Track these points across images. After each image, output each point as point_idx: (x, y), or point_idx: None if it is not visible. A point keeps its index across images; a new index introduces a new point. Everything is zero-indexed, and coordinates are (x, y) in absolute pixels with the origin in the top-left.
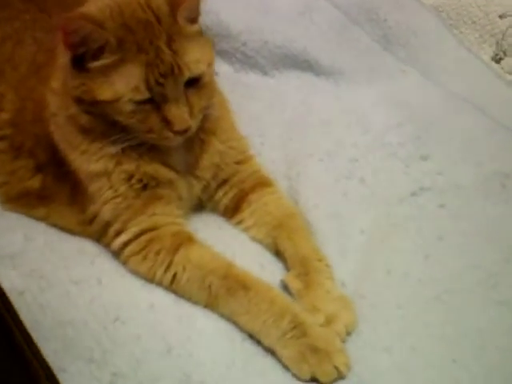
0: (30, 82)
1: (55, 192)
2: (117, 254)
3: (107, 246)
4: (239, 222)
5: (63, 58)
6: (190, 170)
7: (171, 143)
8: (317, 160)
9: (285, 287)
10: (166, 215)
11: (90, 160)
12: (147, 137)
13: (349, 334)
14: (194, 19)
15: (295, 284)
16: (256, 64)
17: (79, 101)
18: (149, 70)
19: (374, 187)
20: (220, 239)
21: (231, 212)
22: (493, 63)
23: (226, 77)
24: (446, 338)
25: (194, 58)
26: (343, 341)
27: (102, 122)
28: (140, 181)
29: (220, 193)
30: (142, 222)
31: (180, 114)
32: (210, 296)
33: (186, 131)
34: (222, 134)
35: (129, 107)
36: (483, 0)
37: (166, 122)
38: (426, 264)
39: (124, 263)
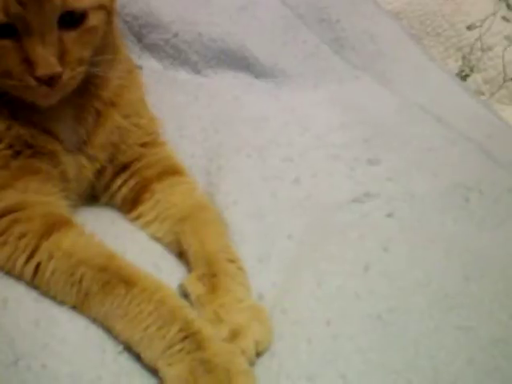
0: None
1: None
2: None
3: None
4: (138, 217)
5: None
6: (80, 147)
7: (38, 97)
8: (244, 156)
9: (184, 294)
10: (41, 194)
11: None
12: (4, 84)
13: (259, 353)
14: None
15: (196, 287)
16: (187, 60)
17: None
18: None
19: (310, 190)
20: (109, 235)
21: (130, 204)
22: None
23: (153, 73)
24: (387, 367)
25: None
26: (251, 361)
27: None
28: (10, 146)
29: (118, 181)
30: (7, 198)
31: (45, 53)
32: (79, 293)
33: (52, 79)
34: (125, 107)
35: None
36: (449, 8)
37: (28, 64)
38: (366, 277)
39: None
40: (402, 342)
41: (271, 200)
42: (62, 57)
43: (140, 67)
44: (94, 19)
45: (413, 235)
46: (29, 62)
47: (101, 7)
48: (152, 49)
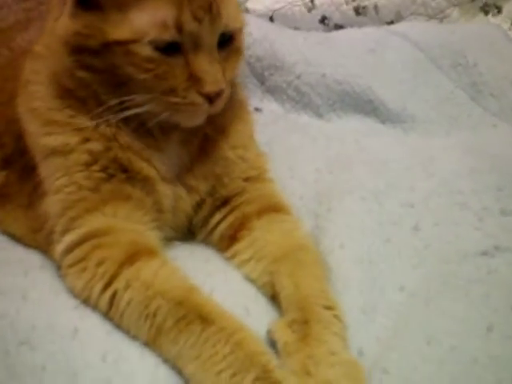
0: (17, 61)
1: (16, 191)
2: (58, 265)
3: (52, 255)
4: (234, 255)
5: (59, 4)
6: (180, 176)
7: (194, 116)
8: (358, 198)
9: (271, 342)
10: (129, 221)
11: (52, 132)
12: (165, 101)
13: None
14: None
15: (284, 334)
16: (309, 103)
17: (78, 50)
18: (183, 3)
19: (431, 239)
20: (201, 273)
21: (227, 241)
22: None
23: (273, 115)
24: None
25: (230, 8)
26: None
27: (101, 80)
28: (104, 168)
29: (217, 216)
30: (93, 222)
31: (213, 70)
32: (152, 327)
33: (216, 96)
34: (234, 137)
35: (148, 53)
36: None
37: (194, 80)
38: (488, 339)
39: (63, 276)
40: None
41: (384, 246)
42: (223, 74)
43: (260, 109)
44: (240, 40)
45: None
46: (195, 79)
47: (241, 30)
48: (274, 91)
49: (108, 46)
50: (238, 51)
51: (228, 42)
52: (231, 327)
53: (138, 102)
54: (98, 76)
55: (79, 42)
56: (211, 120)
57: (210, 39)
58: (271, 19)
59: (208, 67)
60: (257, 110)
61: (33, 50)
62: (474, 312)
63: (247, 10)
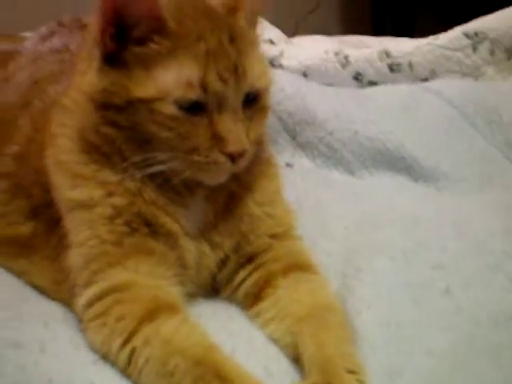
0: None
1: (42, 243)
2: (80, 319)
3: (74, 308)
4: (257, 314)
5: (86, 58)
6: (204, 232)
7: (217, 175)
8: (387, 258)
9: None
10: (152, 276)
11: (77, 185)
12: (188, 160)
13: None
14: (253, 23)
15: None
16: (341, 160)
17: (104, 107)
18: (208, 63)
19: (462, 302)
20: (223, 332)
21: (252, 299)
22: None
23: (304, 171)
24: None
25: (256, 68)
26: None
27: (125, 137)
28: (128, 223)
29: (242, 273)
30: (115, 277)
31: (237, 130)
32: None
33: (241, 155)
34: (260, 194)
35: (172, 111)
36: None
37: (217, 140)
38: None
39: (84, 330)
40: None
41: (413, 309)
42: (247, 134)
43: (291, 165)
44: (266, 99)
45: None
46: (218, 138)
47: (268, 88)
48: (305, 147)
49: (132, 104)
50: (263, 110)
51: (253, 101)
52: None
53: (160, 159)
54: (122, 133)
55: (105, 99)
56: (236, 177)
57: (235, 99)
58: (305, 75)
59: (232, 127)
60: (288, 165)
61: (60, 102)
62: (503, 377)
63: (281, 66)
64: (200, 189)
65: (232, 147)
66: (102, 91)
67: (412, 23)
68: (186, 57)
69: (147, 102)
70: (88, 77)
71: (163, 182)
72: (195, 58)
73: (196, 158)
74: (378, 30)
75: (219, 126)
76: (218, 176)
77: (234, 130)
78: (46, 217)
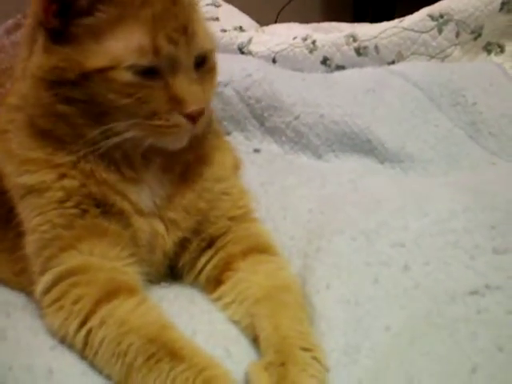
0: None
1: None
2: (39, 306)
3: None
4: (219, 298)
5: (28, 43)
6: (161, 208)
7: (178, 138)
8: (348, 238)
9: (248, 383)
10: (107, 258)
11: (28, 170)
12: (148, 126)
13: None
14: None
15: (261, 377)
16: (308, 144)
17: (57, 84)
18: (156, 27)
19: (420, 279)
20: (184, 315)
21: (213, 283)
22: None
23: (271, 156)
24: None
25: (201, 30)
26: None
27: (82, 112)
28: (78, 204)
29: (203, 258)
30: (69, 261)
31: (194, 90)
32: (123, 366)
33: (199, 115)
34: (217, 169)
35: (127, 78)
36: None
37: (176, 102)
38: (472, 380)
39: (43, 316)
40: None
41: (372, 287)
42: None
43: (258, 151)
44: (213, 60)
45: None
46: (176, 100)
47: (213, 51)
48: (273, 132)
49: (86, 76)
50: (212, 71)
51: (202, 63)
52: (202, 364)
53: (119, 130)
54: (78, 108)
55: (56, 76)
56: (192, 146)
57: (187, 60)
58: (274, 61)
59: (188, 88)
60: (256, 151)
61: (6, 101)
62: (459, 352)
63: (250, 53)
64: (156, 160)
65: (191, 107)
66: (52, 69)
67: (392, 11)
68: (133, 23)
69: (101, 72)
70: (34, 59)
71: (118, 158)
72: (143, 22)
73: (157, 122)
74: (358, 18)
75: (175, 88)
76: (179, 139)
77: (190, 90)
78: (2, 211)
